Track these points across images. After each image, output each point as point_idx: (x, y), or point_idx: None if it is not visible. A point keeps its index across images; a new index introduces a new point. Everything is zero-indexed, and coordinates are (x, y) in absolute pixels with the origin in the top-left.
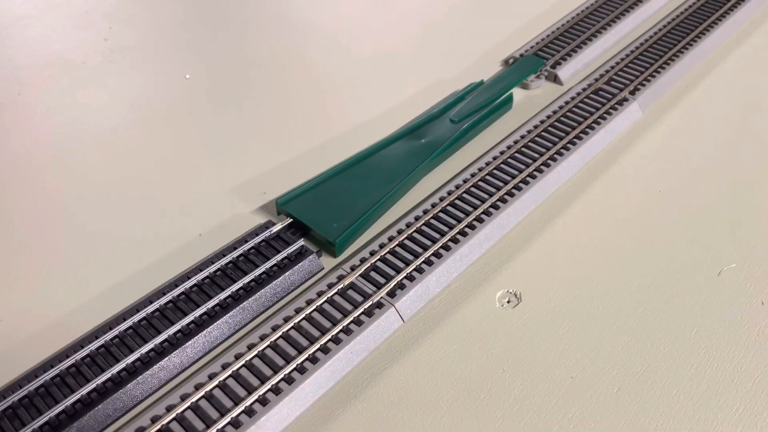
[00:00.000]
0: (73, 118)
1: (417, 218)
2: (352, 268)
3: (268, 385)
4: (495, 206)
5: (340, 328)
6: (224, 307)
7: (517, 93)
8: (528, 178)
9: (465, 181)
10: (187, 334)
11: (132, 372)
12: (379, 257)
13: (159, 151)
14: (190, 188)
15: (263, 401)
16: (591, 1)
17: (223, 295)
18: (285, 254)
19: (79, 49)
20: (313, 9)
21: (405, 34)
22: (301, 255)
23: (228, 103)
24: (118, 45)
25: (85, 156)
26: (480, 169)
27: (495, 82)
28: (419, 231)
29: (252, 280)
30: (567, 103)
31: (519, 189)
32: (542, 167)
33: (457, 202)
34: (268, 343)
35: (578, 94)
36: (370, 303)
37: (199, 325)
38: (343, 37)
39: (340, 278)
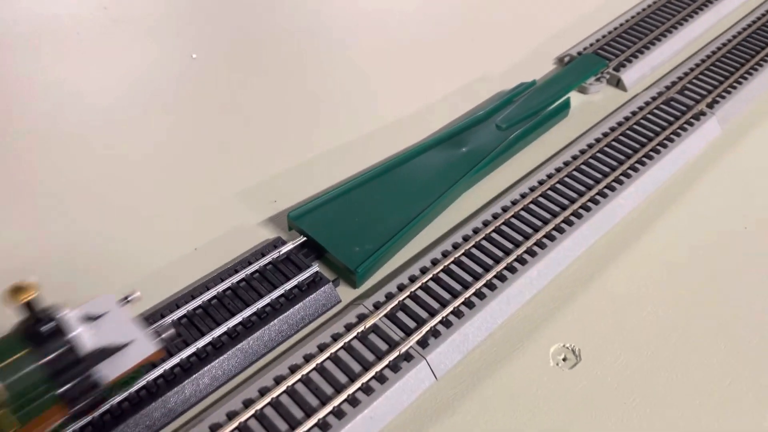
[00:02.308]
0: (60, 97)
1: (455, 246)
2: (376, 306)
3: None
4: (549, 236)
5: (359, 385)
6: (218, 347)
7: (573, 97)
8: (589, 204)
9: (513, 203)
10: (171, 380)
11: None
12: (408, 294)
13: (154, 142)
14: (187, 191)
15: None
16: None
17: (217, 332)
18: (295, 282)
19: (74, 16)
20: None
21: (444, 21)
22: (314, 284)
23: (238, 89)
24: (119, 15)
25: (69, 143)
26: (531, 189)
27: (550, 83)
28: (458, 263)
29: (254, 314)
30: (634, 113)
31: (578, 216)
32: (606, 191)
33: (504, 228)
34: (268, 400)
35: (646, 103)
36: (397, 354)
37: (187, 369)
38: (373, 22)
39: (361, 318)
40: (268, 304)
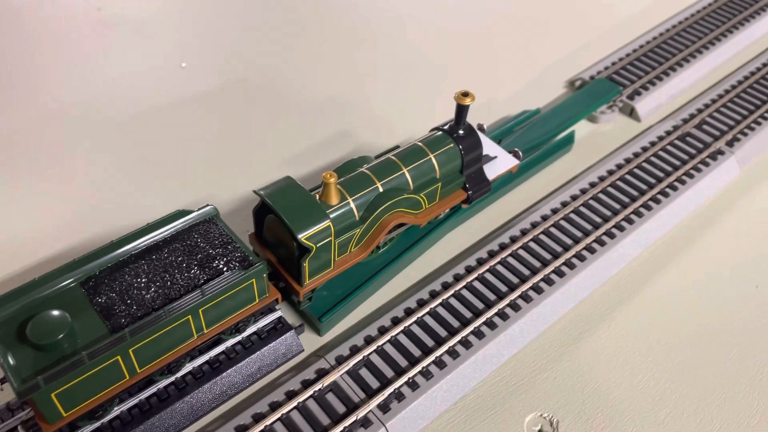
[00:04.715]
0: (42, 106)
1: (433, 295)
2: (338, 361)
3: None
4: (536, 288)
5: None
6: (162, 399)
7: (582, 126)
8: (584, 252)
9: (502, 247)
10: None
11: None
12: (375, 348)
13: (135, 158)
14: (164, 205)
15: None
16: (681, 17)
17: (164, 382)
18: (254, 329)
19: (66, 18)
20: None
21: (446, 40)
22: (275, 331)
23: (227, 105)
24: (112, 18)
25: (53, 147)
26: (523, 232)
27: (556, 111)
28: (433, 314)
29: (206, 362)
30: (645, 149)
31: (571, 267)
32: (604, 237)
33: (488, 276)
34: None
35: (660, 138)
36: (354, 419)
37: (126, 423)
38: (373, 43)
39: (320, 375)
40: (222, 353)
